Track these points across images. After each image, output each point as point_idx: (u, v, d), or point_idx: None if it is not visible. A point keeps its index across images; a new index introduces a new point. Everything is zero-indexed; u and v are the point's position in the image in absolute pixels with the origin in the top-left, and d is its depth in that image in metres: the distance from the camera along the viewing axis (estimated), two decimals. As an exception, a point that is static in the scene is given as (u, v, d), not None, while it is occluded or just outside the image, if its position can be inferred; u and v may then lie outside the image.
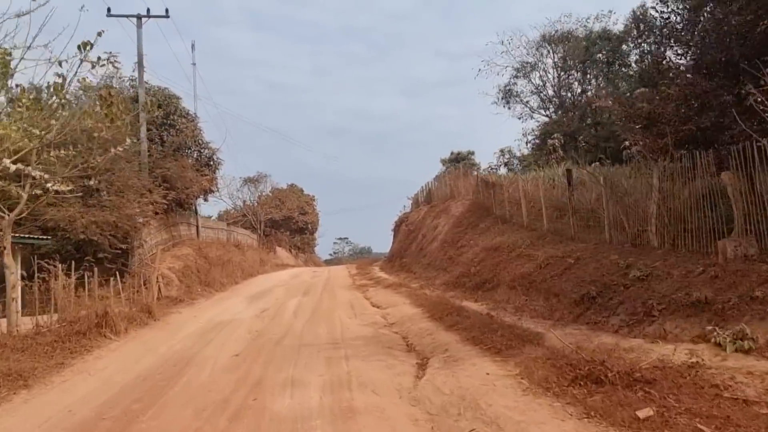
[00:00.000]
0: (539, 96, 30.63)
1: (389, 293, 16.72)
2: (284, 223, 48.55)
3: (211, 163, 25.18)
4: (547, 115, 30.83)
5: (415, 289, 16.82)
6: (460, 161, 35.01)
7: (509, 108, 31.77)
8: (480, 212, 20.61)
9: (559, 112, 29.16)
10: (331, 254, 75.08)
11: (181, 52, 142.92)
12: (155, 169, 19.69)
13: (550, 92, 30.19)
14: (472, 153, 37.28)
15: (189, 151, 24.47)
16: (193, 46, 38.64)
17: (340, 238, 77.63)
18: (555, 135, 20.95)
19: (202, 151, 24.96)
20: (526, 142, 30.74)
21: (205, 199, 26.17)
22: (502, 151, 33.04)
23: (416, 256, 23.92)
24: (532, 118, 31.55)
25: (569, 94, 29.39)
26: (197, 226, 26.39)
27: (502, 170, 31.45)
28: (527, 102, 31.51)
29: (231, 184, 42.26)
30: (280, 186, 49.77)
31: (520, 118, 32.35)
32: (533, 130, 30.64)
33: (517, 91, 30.62)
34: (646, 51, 16.30)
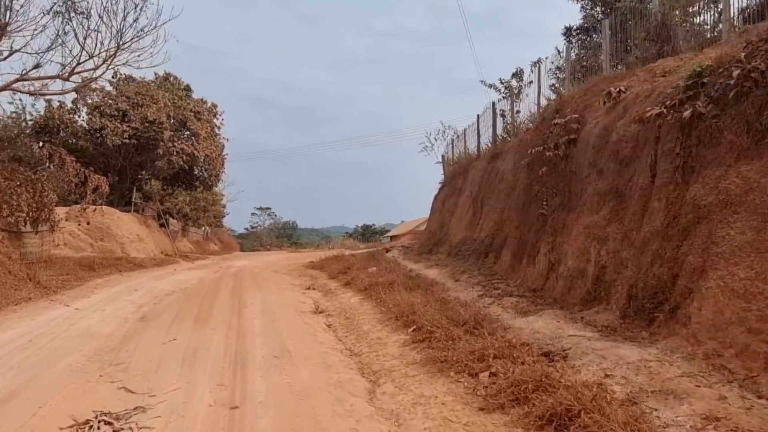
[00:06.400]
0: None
1: None
2: (142, 153, 21.15)
3: None
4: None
5: None
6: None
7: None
8: None
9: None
10: (247, 228, 58.30)
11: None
12: None
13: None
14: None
15: None
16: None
17: (260, 208, 59.43)
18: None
19: None
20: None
21: None
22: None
23: None
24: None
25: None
26: None
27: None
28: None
29: None
30: (137, 73, 20.26)
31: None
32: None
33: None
34: None
